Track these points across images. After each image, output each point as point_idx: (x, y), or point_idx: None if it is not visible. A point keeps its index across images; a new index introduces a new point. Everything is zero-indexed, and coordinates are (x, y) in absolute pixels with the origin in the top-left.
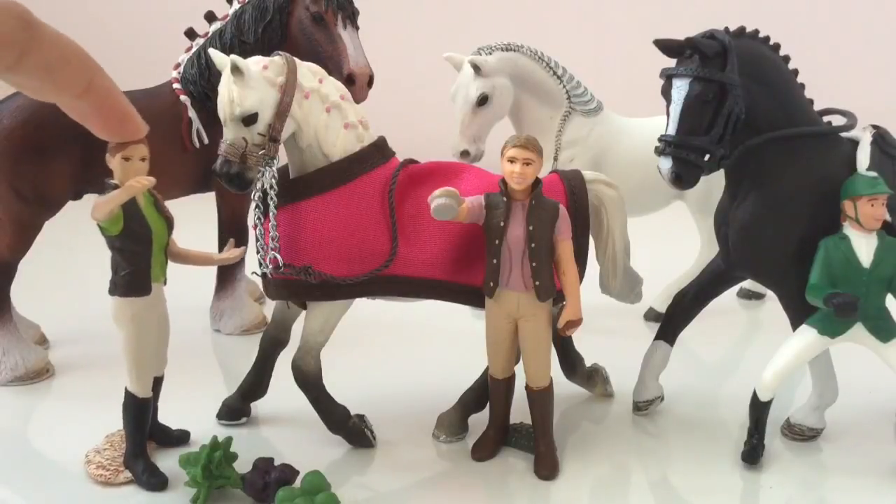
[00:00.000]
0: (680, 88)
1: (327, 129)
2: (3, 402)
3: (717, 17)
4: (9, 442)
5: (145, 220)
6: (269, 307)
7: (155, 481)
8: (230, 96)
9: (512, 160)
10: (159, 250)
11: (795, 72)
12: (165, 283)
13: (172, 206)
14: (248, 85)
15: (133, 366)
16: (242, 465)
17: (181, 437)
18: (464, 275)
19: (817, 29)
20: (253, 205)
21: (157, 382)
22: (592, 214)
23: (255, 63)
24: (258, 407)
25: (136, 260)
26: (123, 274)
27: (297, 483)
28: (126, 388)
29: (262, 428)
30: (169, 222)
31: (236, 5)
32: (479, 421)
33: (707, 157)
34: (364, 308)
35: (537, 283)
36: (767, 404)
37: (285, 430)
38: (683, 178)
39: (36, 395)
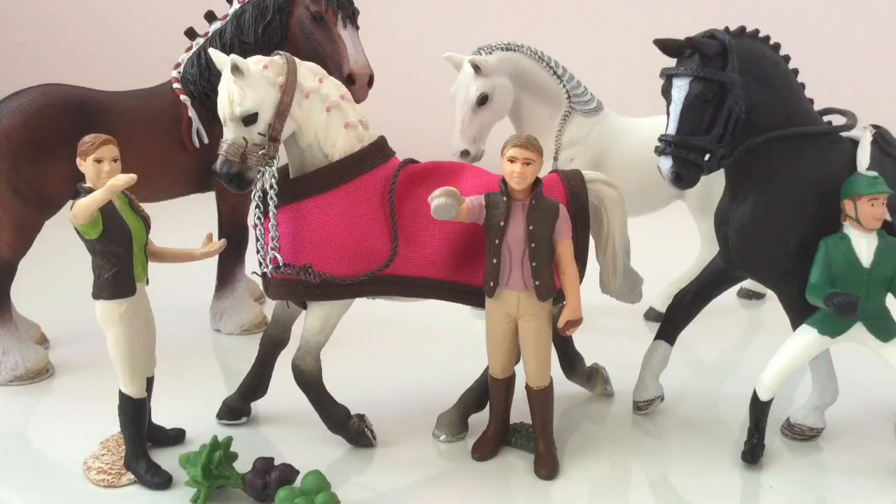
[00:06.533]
0: (680, 88)
1: (327, 129)
2: (3, 402)
3: (717, 17)
4: (9, 442)
5: (123, 221)
6: (269, 307)
7: (159, 480)
8: (230, 96)
9: (512, 160)
10: (139, 250)
11: (795, 72)
12: (148, 282)
13: (172, 205)
14: (248, 85)
15: (125, 367)
16: (242, 465)
17: (177, 436)
18: (464, 274)
19: (817, 29)
20: (253, 204)
21: (149, 382)
22: (592, 214)
23: (255, 63)
24: (258, 407)
25: (119, 261)
26: (108, 276)
27: (297, 483)
28: (120, 391)
29: (262, 428)
30: (146, 221)
31: (236, 5)
32: (479, 421)
33: (707, 156)
34: (364, 308)
35: (537, 282)
36: (767, 404)
37: (285, 430)
38: (683, 177)
39: (36, 395)
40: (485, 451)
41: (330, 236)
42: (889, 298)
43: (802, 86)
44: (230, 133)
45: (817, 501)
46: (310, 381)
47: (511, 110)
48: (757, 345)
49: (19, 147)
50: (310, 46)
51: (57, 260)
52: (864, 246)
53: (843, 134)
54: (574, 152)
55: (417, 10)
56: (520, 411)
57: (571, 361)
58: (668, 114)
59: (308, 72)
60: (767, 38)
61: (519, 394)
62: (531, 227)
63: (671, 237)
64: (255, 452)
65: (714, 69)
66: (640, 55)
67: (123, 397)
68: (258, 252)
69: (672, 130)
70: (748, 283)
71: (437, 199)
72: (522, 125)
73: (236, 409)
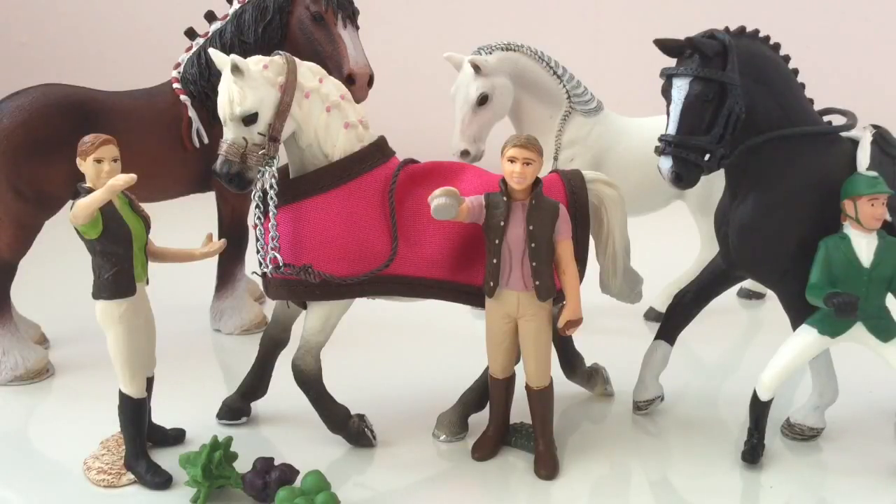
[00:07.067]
0: (680, 88)
1: (327, 129)
2: (3, 402)
3: (717, 17)
4: (9, 442)
5: (123, 221)
6: (269, 307)
7: (159, 480)
8: (230, 96)
9: (512, 160)
10: (139, 250)
11: (795, 72)
12: (148, 282)
13: (173, 205)
14: (248, 84)
15: (125, 367)
16: (242, 465)
17: (177, 436)
18: (464, 274)
19: (817, 29)
20: (253, 204)
21: (149, 382)
22: (592, 214)
23: (255, 63)
24: (258, 407)
25: (119, 261)
26: (108, 276)
27: (297, 483)
28: (120, 391)
29: (262, 428)
30: (146, 221)
31: (236, 5)
32: (479, 421)
33: (707, 156)
34: (364, 308)
35: (537, 282)
36: (767, 404)
37: (285, 430)
38: (683, 177)
39: (36, 395)
40: (485, 451)
41: (330, 236)
42: (889, 298)
43: (802, 86)
44: (230, 133)
45: (817, 501)
46: (310, 381)
47: (511, 110)
48: (757, 345)
49: (19, 147)
50: (310, 46)
51: (57, 260)
52: (864, 246)
53: (843, 134)
54: (574, 152)
55: (417, 10)
56: (520, 411)
57: (571, 361)
58: (668, 114)
59: (308, 72)
60: (767, 38)
61: (519, 394)
62: (531, 227)
63: (671, 237)
64: (255, 452)
65: (714, 69)
66: (640, 55)
67: (123, 397)
68: (258, 252)
69: (672, 130)
70: (748, 283)
71: (437, 199)
72: (522, 125)
73: (236, 409)
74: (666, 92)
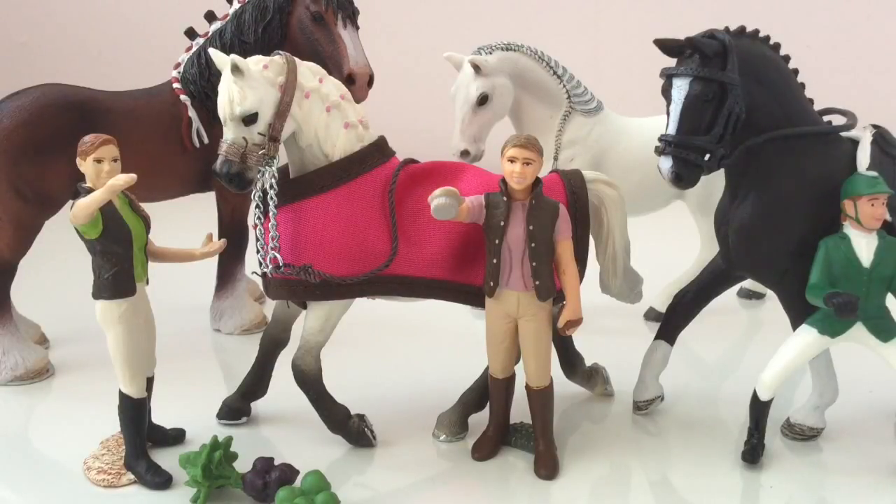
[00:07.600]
0: (680, 88)
1: (327, 129)
2: (3, 402)
3: (717, 17)
4: (9, 442)
5: (123, 221)
6: (269, 307)
7: (159, 480)
8: (230, 96)
9: (512, 160)
10: (139, 250)
11: (795, 72)
12: (148, 282)
13: (173, 205)
14: (248, 84)
15: (125, 367)
16: (242, 465)
17: (177, 436)
18: (464, 274)
19: (817, 29)
20: (253, 204)
21: (149, 382)
22: (592, 214)
23: (255, 62)
24: (258, 407)
25: (119, 261)
26: (108, 276)
27: (297, 483)
28: (120, 391)
29: (262, 428)
30: (146, 221)
31: (236, 5)
32: (479, 421)
33: (707, 156)
34: (364, 308)
35: (537, 282)
36: (767, 404)
37: (285, 430)
38: (683, 177)
39: (36, 395)
40: (485, 451)
41: (330, 236)
42: (889, 298)
43: (802, 86)
44: (230, 133)
45: (817, 501)
46: (310, 381)
47: (511, 110)
48: (757, 345)
49: (20, 147)
50: (310, 46)
51: (57, 260)
52: (864, 246)
53: (843, 134)
54: (574, 152)
55: (417, 10)
56: (520, 411)
57: (571, 361)
58: (668, 114)
59: (308, 72)
60: (767, 38)
61: (519, 394)
62: (531, 227)
63: (671, 237)
64: (255, 452)
65: (714, 69)
66: (640, 55)
67: (123, 397)
68: (258, 252)
69: (672, 130)
70: (748, 283)
71: (437, 199)
72: (522, 125)
73: (236, 409)
74: (666, 92)
